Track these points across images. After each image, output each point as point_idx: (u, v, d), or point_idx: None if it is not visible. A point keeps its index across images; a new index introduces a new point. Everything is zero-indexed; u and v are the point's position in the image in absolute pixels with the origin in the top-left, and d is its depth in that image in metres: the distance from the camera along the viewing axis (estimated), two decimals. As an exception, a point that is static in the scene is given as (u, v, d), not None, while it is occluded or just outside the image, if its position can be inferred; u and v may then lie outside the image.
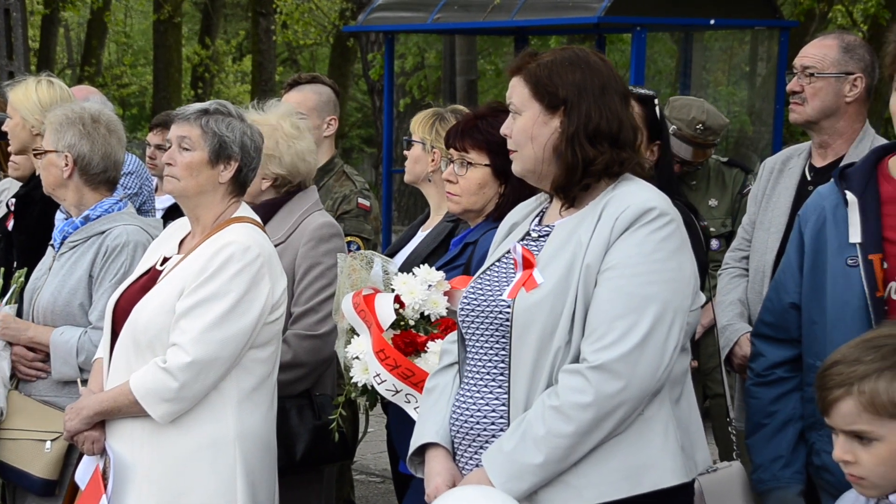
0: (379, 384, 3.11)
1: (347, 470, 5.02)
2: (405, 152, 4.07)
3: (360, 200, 4.72)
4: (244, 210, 3.41)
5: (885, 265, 2.82)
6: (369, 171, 19.97)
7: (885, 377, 2.17)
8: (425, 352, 3.12)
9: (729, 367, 3.85)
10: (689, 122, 5.23)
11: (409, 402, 3.10)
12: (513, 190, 3.37)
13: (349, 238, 4.47)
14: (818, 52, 3.80)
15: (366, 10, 10.29)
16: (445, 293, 3.21)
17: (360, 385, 3.19)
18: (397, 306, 3.17)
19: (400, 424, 3.31)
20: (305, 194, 3.93)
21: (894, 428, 2.17)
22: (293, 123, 3.90)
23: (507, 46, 14.42)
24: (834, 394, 2.21)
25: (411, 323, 3.18)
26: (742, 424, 3.77)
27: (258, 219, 3.44)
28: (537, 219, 2.84)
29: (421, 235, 3.94)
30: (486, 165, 3.44)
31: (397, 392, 3.10)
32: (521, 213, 2.91)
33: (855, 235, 2.86)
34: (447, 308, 3.20)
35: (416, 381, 3.08)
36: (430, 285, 3.19)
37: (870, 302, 2.80)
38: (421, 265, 3.28)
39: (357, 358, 3.18)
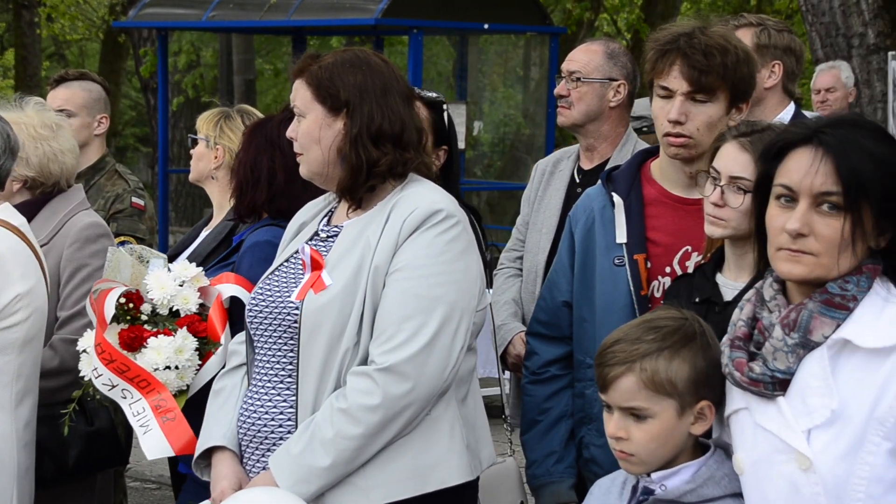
0: (96, 378, 3.05)
1: (120, 477, 4.87)
2: (190, 151, 3.99)
3: (134, 199, 4.61)
4: (2, 211, 3.23)
5: (649, 264, 2.95)
6: (145, 170, 19.40)
7: (664, 356, 2.27)
8: (145, 347, 3.07)
9: (504, 366, 3.94)
10: None
11: (125, 397, 3.03)
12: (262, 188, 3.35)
13: (123, 238, 4.35)
14: (584, 57, 3.94)
15: (137, 6, 10.00)
16: (200, 289, 3.17)
17: (85, 380, 3.12)
18: (124, 300, 3.11)
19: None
20: (69, 194, 3.77)
21: (668, 406, 2.28)
22: (44, 122, 3.70)
23: (285, 46, 14.31)
24: (616, 370, 2.30)
25: (143, 318, 3.12)
26: (517, 421, 3.88)
27: (15, 219, 3.26)
28: (326, 219, 2.83)
29: (204, 235, 3.87)
30: None
31: (113, 387, 3.04)
32: (310, 213, 2.89)
33: (621, 236, 2.98)
34: (201, 304, 3.15)
35: (131, 376, 3.03)
36: (183, 281, 3.14)
37: (635, 300, 2.92)
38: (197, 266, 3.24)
39: (85, 352, 3.12)
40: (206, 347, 3.12)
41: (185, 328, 3.09)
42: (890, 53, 8.57)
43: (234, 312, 3.16)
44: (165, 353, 3.04)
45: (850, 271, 2.08)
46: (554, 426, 3.07)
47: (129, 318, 3.12)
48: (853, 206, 2.05)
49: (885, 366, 2.03)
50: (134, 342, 3.07)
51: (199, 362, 3.10)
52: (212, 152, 3.88)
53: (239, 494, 2.63)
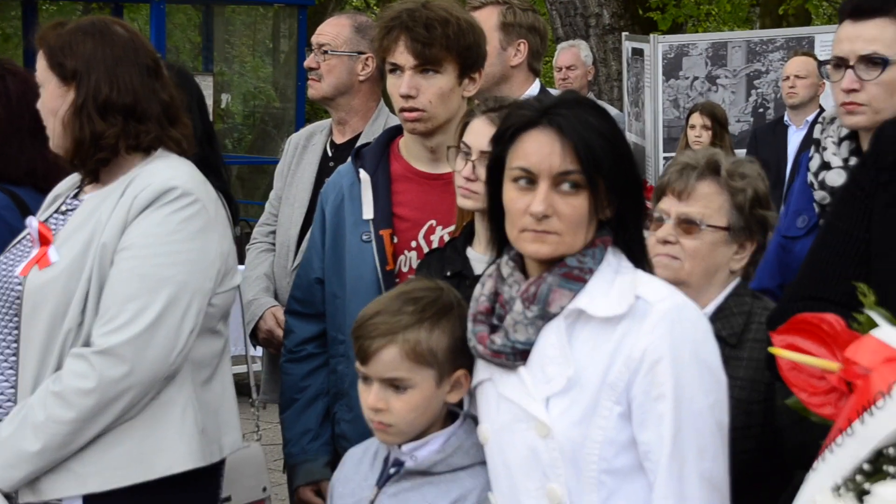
0: None
1: None
2: None
3: None
4: None
5: (395, 240, 2.99)
6: None
7: (425, 327, 2.30)
8: None
9: (255, 342, 3.91)
10: None
11: None
12: None
13: None
14: (333, 30, 3.94)
15: None
16: None
17: None
18: None
19: None
20: None
21: (427, 376, 2.31)
22: None
23: (14, 10, 13.56)
24: (378, 342, 2.30)
25: None
26: (269, 397, 3.86)
27: None
28: (75, 192, 2.73)
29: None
30: None
31: None
32: (66, 185, 2.79)
33: (368, 212, 3.00)
34: None
35: None
36: None
37: (381, 275, 2.95)
38: None
39: None
40: None
41: None
42: (623, 34, 9.00)
43: None
44: None
45: (587, 245, 2.18)
46: (310, 404, 3.08)
47: None
48: (592, 182, 2.14)
49: (616, 333, 2.13)
50: None
51: None
52: None
53: None
